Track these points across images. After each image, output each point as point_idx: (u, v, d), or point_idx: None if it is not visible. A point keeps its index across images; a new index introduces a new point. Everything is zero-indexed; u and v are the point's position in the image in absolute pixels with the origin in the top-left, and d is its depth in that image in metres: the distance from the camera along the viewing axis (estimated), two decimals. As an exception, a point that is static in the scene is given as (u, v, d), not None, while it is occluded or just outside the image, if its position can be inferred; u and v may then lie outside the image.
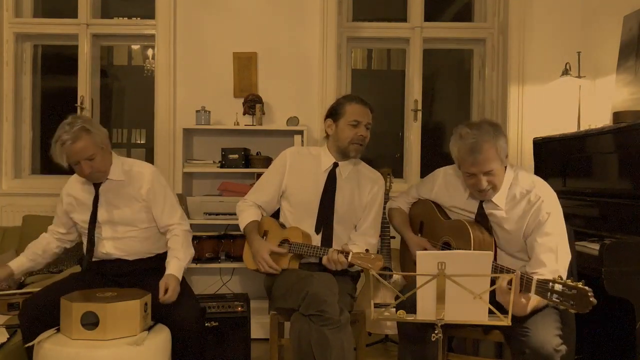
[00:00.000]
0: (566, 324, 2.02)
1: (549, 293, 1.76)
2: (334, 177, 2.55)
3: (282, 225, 2.59)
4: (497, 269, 2.07)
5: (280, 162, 2.63)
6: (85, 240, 2.49)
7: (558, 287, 1.73)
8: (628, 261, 2.13)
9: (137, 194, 2.45)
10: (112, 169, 2.44)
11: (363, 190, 2.57)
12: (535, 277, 1.82)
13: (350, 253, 2.26)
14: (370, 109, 2.53)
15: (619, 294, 2.14)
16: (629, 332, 2.24)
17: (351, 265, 2.29)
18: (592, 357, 2.68)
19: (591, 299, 1.65)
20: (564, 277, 1.98)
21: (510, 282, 1.81)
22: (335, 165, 2.56)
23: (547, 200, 2.09)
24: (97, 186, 2.44)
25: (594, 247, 2.26)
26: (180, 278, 2.35)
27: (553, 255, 2.03)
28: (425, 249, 2.33)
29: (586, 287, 1.67)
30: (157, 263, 2.47)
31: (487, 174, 2.08)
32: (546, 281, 1.78)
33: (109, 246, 2.44)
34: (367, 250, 2.28)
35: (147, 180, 2.47)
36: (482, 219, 2.21)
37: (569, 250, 2.07)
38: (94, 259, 2.46)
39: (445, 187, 2.38)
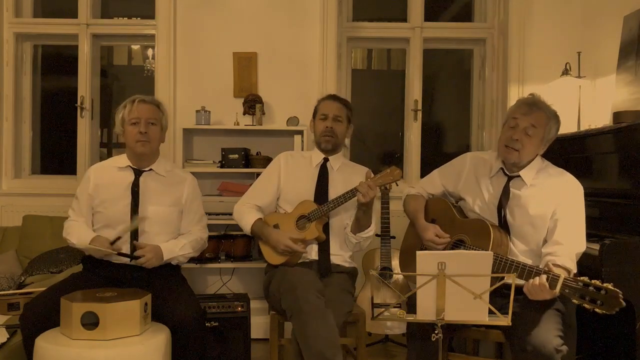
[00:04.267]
0: (567, 325, 2.02)
1: (575, 293, 1.79)
2: (325, 169, 2.63)
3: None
4: (507, 263, 2.04)
5: (275, 165, 2.70)
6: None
7: (585, 288, 1.77)
8: (628, 261, 2.13)
9: (178, 198, 2.46)
10: (157, 162, 2.46)
11: (356, 182, 2.54)
12: (562, 276, 1.85)
13: (371, 177, 2.37)
14: (344, 104, 2.64)
15: (619, 294, 2.14)
16: (629, 332, 2.24)
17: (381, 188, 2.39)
18: (592, 357, 2.68)
19: (621, 300, 1.70)
20: (575, 264, 2.03)
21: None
22: (326, 160, 2.65)
23: (577, 190, 2.17)
24: (137, 175, 2.42)
25: (594, 247, 2.26)
26: (164, 260, 2.34)
27: (573, 238, 2.08)
28: (437, 236, 2.29)
29: (616, 289, 1.72)
30: (165, 270, 2.42)
31: (526, 131, 2.15)
32: (574, 280, 1.81)
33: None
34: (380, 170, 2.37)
35: (189, 185, 2.51)
36: (505, 199, 2.21)
37: (585, 244, 2.12)
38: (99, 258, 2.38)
39: (474, 170, 2.36)
